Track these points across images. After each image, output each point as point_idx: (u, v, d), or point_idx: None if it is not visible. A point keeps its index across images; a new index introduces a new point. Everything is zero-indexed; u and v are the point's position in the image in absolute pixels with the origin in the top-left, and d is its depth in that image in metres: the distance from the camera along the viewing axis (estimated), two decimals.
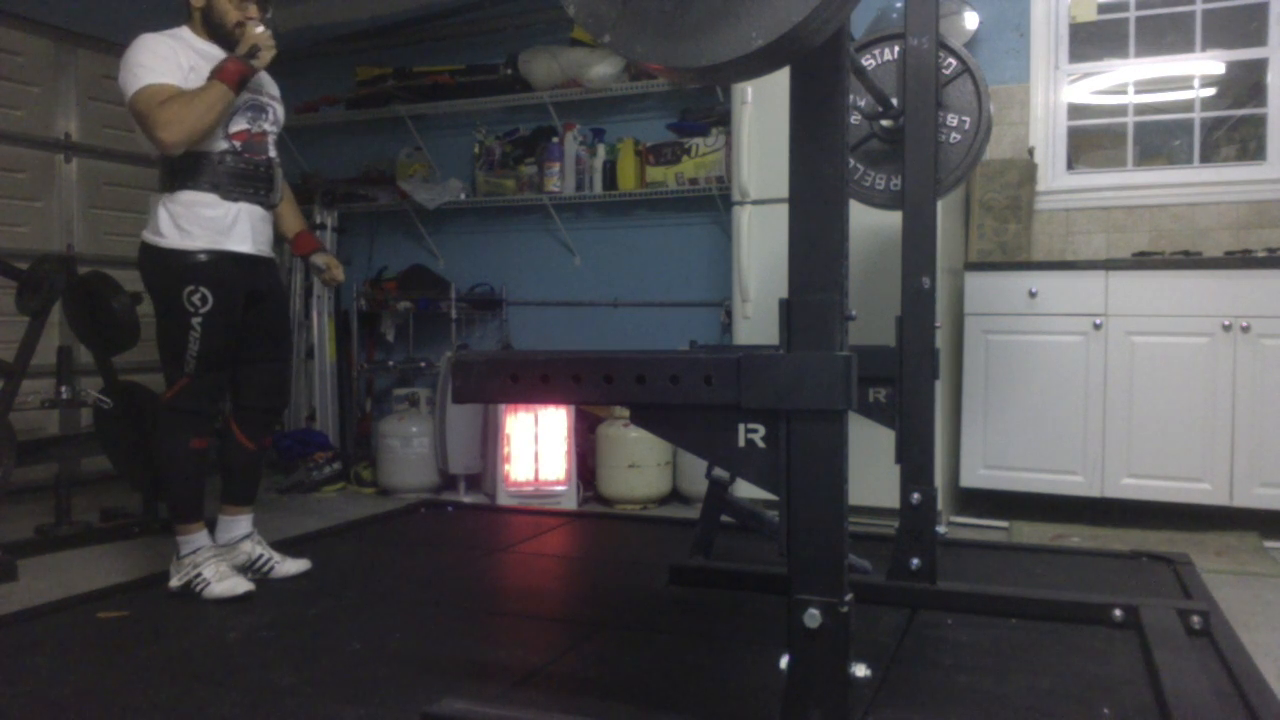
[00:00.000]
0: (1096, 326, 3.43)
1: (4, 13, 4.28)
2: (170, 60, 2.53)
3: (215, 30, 2.66)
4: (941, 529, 2.60)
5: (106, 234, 4.73)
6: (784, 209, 1.54)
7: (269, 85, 2.81)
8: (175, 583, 2.64)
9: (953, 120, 2.62)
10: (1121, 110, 3.99)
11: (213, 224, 2.61)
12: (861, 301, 3.27)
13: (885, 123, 2.64)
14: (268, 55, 2.61)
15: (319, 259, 2.99)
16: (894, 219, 2.58)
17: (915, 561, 2.45)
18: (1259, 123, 3.78)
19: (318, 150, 5.37)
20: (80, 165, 4.64)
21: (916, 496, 2.44)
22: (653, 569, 2.86)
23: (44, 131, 4.50)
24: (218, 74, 2.53)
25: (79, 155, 4.63)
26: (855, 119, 2.66)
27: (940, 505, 3.21)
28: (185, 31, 2.66)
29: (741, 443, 1.52)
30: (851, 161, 2.67)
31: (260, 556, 2.84)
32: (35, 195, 4.46)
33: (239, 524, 2.84)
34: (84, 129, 4.64)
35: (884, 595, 2.47)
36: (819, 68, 1.46)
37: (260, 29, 2.61)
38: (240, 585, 2.62)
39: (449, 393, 4.12)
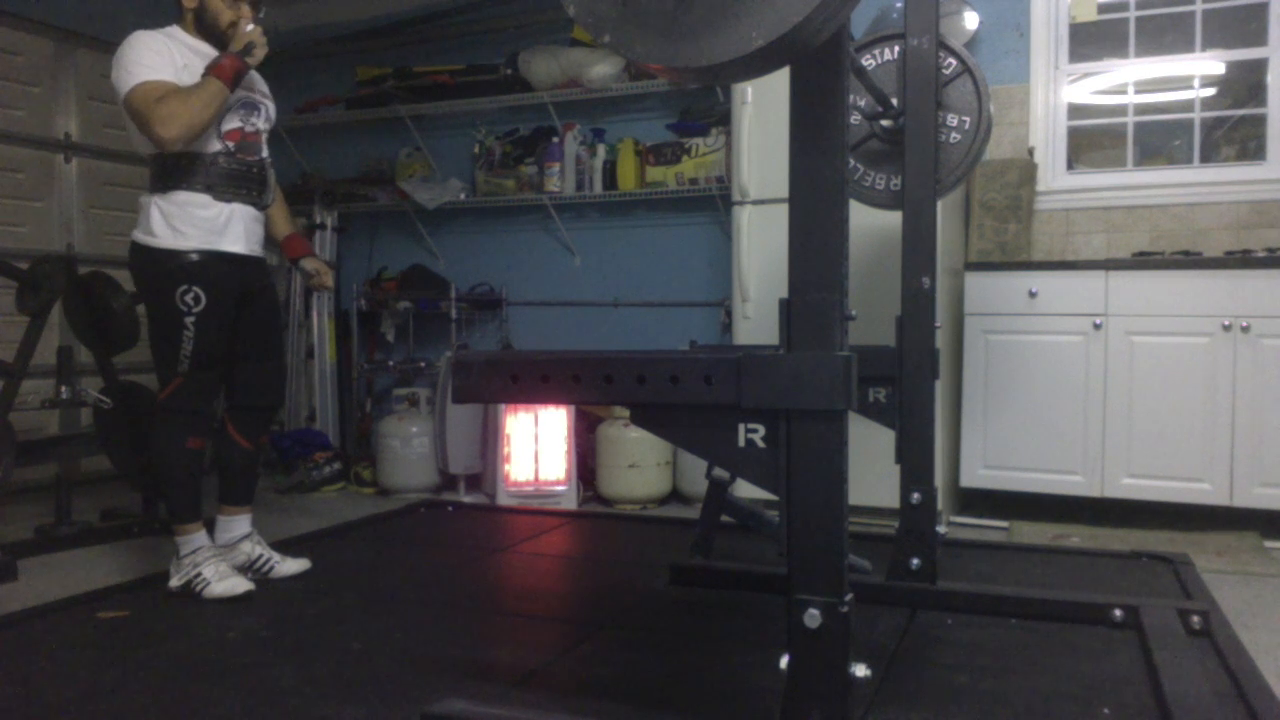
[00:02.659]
0: (1096, 326, 3.43)
1: (4, 13, 4.28)
2: (164, 57, 2.54)
3: (208, 30, 2.66)
4: (941, 529, 2.59)
5: (106, 234, 4.73)
6: (784, 209, 1.54)
7: (260, 83, 2.81)
8: (175, 583, 2.64)
9: (953, 120, 2.62)
10: (1121, 110, 3.99)
11: (206, 224, 2.61)
12: (861, 301, 3.27)
13: (885, 123, 2.64)
14: (261, 53, 2.62)
15: (308, 264, 2.99)
16: (894, 219, 2.58)
17: (915, 561, 2.45)
18: (1259, 123, 3.77)
19: (318, 150, 5.37)
20: (80, 165, 4.64)
21: (916, 496, 2.44)
22: (653, 569, 2.86)
23: (44, 131, 4.50)
24: (213, 70, 2.54)
25: (79, 155, 4.63)
26: (855, 119, 2.66)
27: (940, 505, 3.20)
28: (177, 30, 2.66)
29: (741, 443, 1.52)
30: (851, 161, 2.67)
31: (260, 556, 2.83)
32: (35, 195, 4.46)
33: (238, 524, 2.84)
34: (84, 129, 4.64)
35: (884, 595, 2.47)
36: (819, 68, 1.46)
37: (253, 26, 2.61)
38: (240, 585, 2.62)
39: (449, 393, 4.12)
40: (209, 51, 2.64)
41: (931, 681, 1.98)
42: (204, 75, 2.53)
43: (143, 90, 2.48)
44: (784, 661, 1.50)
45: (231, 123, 2.66)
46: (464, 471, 4.31)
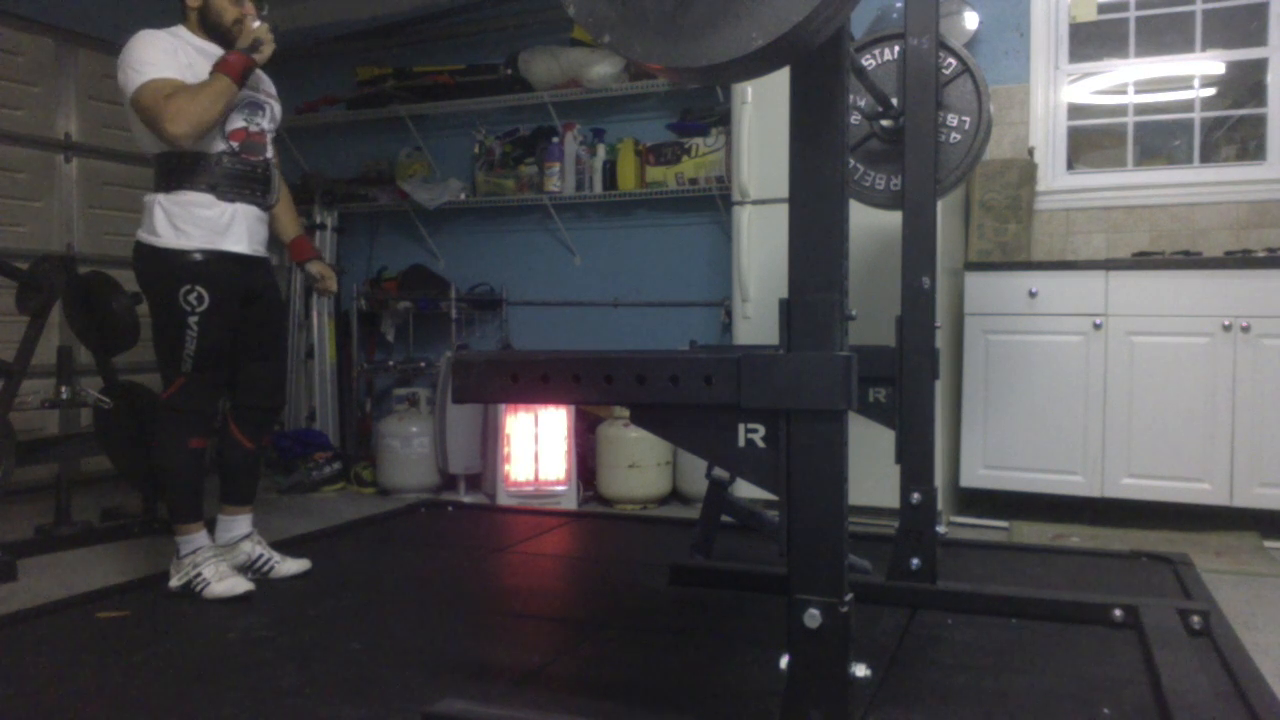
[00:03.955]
0: (1096, 326, 3.43)
1: (4, 13, 4.28)
2: (170, 55, 2.54)
3: (212, 29, 2.66)
4: (941, 529, 2.60)
5: (106, 234, 4.73)
6: (784, 209, 1.54)
7: (266, 83, 2.82)
8: (175, 583, 2.64)
9: (953, 120, 2.62)
10: (1121, 110, 3.99)
11: (209, 224, 2.61)
12: (861, 301, 3.27)
13: (885, 123, 2.64)
14: (268, 49, 2.62)
15: (314, 267, 2.99)
16: (894, 219, 2.58)
17: (915, 561, 2.45)
18: (1259, 123, 3.77)
19: (318, 150, 5.37)
20: (80, 165, 4.64)
21: (916, 496, 2.44)
22: (653, 569, 2.86)
23: (44, 131, 4.50)
24: (221, 66, 2.54)
25: (79, 155, 4.63)
26: (855, 119, 2.66)
27: (940, 505, 3.20)
28: (182, 30, 2.66)
29: (741, 443, 1.52)
30: (851, 161, 2.67)
31: (260, 556, 2.84)
32: (35, 195, 4.46)
33: (238, 524, 2.84)
34: (84, 129, 4.64)
35: (884, 595, 2.47)
36: (819, 68, 1.46)
37: (259, 23, 2.62)
38: (240, 585, 2.62)
39: (449, 393, 4.12)
40: (215, 51, 2.64)
41: (931, 681, 1.98)
42: (212, 72, 2.54)
43: (151, 88, 2.48)
44: (784, 661, 1.50)
45: (235, 122, 2.66)
46: (464, 471, 4.31)
